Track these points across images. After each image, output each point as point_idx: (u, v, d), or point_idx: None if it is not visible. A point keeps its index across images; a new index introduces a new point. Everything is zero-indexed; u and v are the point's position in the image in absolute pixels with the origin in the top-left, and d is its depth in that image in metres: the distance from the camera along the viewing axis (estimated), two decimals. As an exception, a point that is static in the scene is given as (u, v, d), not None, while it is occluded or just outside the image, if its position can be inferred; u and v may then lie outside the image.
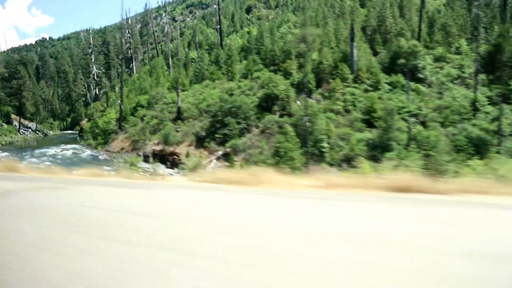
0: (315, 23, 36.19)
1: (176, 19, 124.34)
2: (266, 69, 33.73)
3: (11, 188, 5.64)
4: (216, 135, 26.94)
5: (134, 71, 68.71)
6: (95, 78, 62.48)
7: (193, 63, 56.58)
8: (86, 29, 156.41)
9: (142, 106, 39.62)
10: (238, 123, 26.96)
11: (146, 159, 30.49)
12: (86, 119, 59.39)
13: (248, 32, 63.08)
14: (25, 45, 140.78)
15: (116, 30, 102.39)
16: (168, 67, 57.68)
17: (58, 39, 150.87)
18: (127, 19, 72.04)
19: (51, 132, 70.54)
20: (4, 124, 55.70)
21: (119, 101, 40.74)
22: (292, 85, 29.85)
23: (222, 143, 26.82)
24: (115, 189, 5.75)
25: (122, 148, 34.37)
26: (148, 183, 6.52)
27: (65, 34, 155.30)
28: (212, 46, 63.08)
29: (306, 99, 24.86)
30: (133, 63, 69.28)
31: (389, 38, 33.83)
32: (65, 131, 75.26)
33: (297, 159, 21.33)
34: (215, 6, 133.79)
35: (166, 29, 58.27)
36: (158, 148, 30.12)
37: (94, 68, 61.18)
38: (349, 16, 36.53)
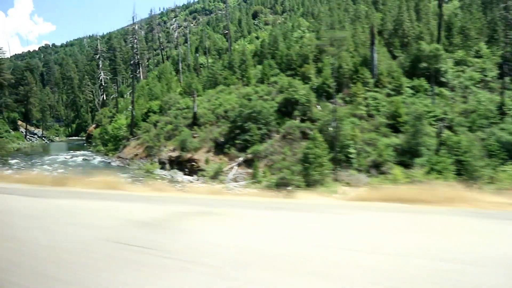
0: (330, 28, 35.70)
1: (180, 25, 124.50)
2: (282, 74, 33.17)
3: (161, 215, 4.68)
4: (236, 141, 26.29)
5: (141, 77, 68.20)
6: (103, 84, 61.89)
7: (202, 69, 56.20)
8: (89, 36, 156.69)
9: (155, 112, 39.03)
10: (259, 128, 26.34)
11: (162, 165, 29.84)
12: (94, 125, 58.79)
13: (257, 37, 62.90)
14: (28, 51, 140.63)
15: (121, 36, 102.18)
16: (177, 73, 57.29)
17: (61, 46, 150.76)
18: (134, 23, 71.58)
19: (57, 139, 69.94)
20: (11, 130, 55.04)
21: (130, 107, 40.14)
22: (311, 89, 29.26)
23: (242, 149, 26.18)
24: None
25: (136, 155, 33.71)
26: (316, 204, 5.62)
27: (68, 41, 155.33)
28: (220, 51, 62.82)
29: (335, 103, 24.19)
30: (140, 68, 68.71)
31: (407, 42, 33.30)
32: (70, 138, 74.68)
33: (326, 166, 20.71)
34: (219, 11, 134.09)
35: (176, 34, 57.53)
36: (175, 154, 29.47)
37: (102, 74, 60.60)
38: (364, 20, 36.04)
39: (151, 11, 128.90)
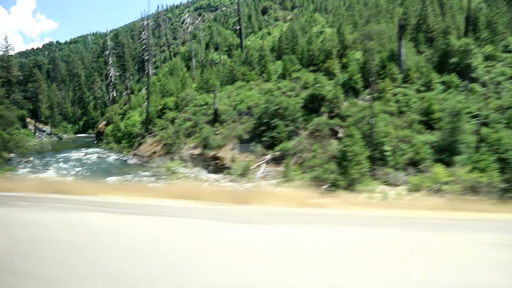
0: (352, 23, 34.86)
1: (192, 21, 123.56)
2: (304, 70, 32.36)
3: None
4: (263, 138, 25.50)
5: (150, 73, 67.35)
6: (112, 81, 61.06)
7: (214, 65, 55.37)
8: (93, 33, 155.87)
9: (171, 109, 38.21)
10: (286, 125, 25.54)
11: (182, 163, 29.05)
12: (104, 122, 58.05)
13: (268, 33, 62.01)
14: (32, 49, 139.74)
15: (127, 33, 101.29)
16: (188, 69, 56.47)
17: (65, 43, 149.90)
18: (144, 18, 70.75)
19: (65, 136, 69.22)
20: (21, 128, 54.29)
21: (143, 104, 39.31)
22: (337, 85, 28.44)
23: (269, 146, 25.39)
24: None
25: (154, 152, 32.94)
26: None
27: (72, 38, 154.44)
28: (231, 47, 61.97)
29: (364, 100, 23.39)
30: (149, 65, 67.84)
31: (431, 37, 32.43)
32: (78, 135, 73.96)
33: (364, 164, 19.92)
34: (224, 8, 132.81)
35: (190, 29, 56.60)
36: (196, 152, 28.70)
37: (112, 70, 59.74)
38: (387, 15, 35.16)
39: (158, 7, 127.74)
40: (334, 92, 26.63)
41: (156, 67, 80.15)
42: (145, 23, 70.07)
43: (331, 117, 26.05)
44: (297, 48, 35.49)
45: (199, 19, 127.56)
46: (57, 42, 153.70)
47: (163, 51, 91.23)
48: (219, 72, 38.65)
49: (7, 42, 58.66)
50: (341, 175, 19.69)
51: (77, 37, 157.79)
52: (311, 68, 32.18)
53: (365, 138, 21.47)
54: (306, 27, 39.39)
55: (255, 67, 35.67)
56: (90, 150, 46.32)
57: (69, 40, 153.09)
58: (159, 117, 38.95)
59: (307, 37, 37.25)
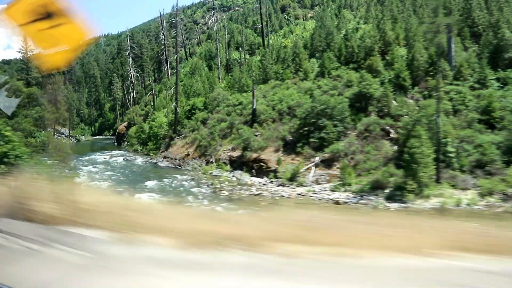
0: (391, 18, 33.39)
1: (197, 22, 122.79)
2: (344, 67, 30.96)
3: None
4: (311, 140, 24.12)
5: (168, 74, 66.33)
6: (133, 81, 60.08)
7: (239, 64, 54.11)
8: (105, 35, 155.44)
9: (200, 109, 37.01)
10: (335, 125, 24.15)
11: (219, 166, 27.81)
12: (125, 124, 57.08)
13: (291, 31, 60.66)
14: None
15: (143, 33, 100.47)
16: (210, 69, 55.25)
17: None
18: (161, 17, 69.88)
19: (83, 138, 68.43)
20: (41, 130, 53.40)
21: (170, 104, 38.14)
22: (382, 83, 27.02)
23: (316, 148, 24.01)
24: None
25: (187, 155, 31.72)
26: None
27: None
28: (252, 46, 60.73)
29: (439, 95, 21.74)
30: (167, 65, 66.85)
31: (476, 32, 30.87)
32: (95, 137, 73.17)
33: (431, 166, 18.49)
34: (237, 7, 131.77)
35: (215, 28, 55.45)
36: (236, 154, 27.41)
37: (132, 71, 58.76)
38: (427, 10, 33.58)
39: (173, 7, 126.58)
40: (383, 90, 25.17)
41: (172, 68, 79.09)
42: (163, 23, 69.27)
43: (381, 117, 24.60)
44: (333, 45, 34.08)
45: (211, 18, 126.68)
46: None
47: (174, 52, 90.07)
48: (251, 71, 37.31)
49: (26, 43, 57.76)
50: (408, 178, 18.26)
51: (88, 39, 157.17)
52: (351, 65, 30.71)
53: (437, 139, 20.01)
54: (340, 23, 37.94)
55: (290, 65, 34.28)
56: (114, 152, 45.27)
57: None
58: (188, 118, 37.78)
59: (341, 34, 35.87)
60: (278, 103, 29.15)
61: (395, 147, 22.80)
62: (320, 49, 36.14)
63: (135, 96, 60.08)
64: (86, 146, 60.12)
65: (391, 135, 23.81)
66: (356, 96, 26.31)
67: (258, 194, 20.53)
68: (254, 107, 29.16)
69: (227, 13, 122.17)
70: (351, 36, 32.78)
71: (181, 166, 30.89)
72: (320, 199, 19.05)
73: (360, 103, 25.89)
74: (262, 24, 60.78)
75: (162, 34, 67.27)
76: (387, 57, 29.26)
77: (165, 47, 67.04)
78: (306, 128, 24.96)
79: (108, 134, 75.69)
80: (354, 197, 18.90)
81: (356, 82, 28.13)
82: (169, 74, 66.84)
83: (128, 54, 62.50)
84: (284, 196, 19.97)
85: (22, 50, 58.99)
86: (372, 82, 26.10)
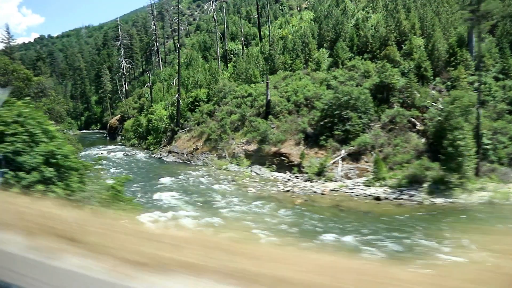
0: (404, 8, 32.47)
1: (183, 13, 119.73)
2: (358, 57, 29.96)
3: None
4: (335, 132, 23.06)
5: (160, 65, 64.19)
6: (124, 73, 57.71)
7: (235, 55, 52.57)
8: (86, 26, 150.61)
9: (204, 101, 35.48)
10: (359, 117, 23.16)
11: (232, 160, 26.52)
12: (117, 117, 54.86)
13: (287, 22, 59.25)
14: (24, 43, 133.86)
15: (131, 23, 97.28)
16: (206, 60, 53.50)
17: (57, 37, 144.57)
18: (152, 5, 67.51)
19: (70, 132, 65.49)
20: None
21: (176, 96, 36.46)
22: (402, 74, 26.16)
23: (341, 141, 22.98)
24: None
25: (196, 149, 30.24)
26: None
27: (64, 32, 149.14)
28: (248, 37, 59.16)
29: (480, 83, 20.95)
30: (159, 56, 64.67)
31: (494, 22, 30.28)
32: (82, 131, 70.38)
33: (473, 159, 17.72)
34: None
35: (214, 17, 53.61)
36: (251, 148, 26.15)
37: (124, 62, 56.37)
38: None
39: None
40: (407, 80, 24.31)
41: (163, 58, 76.76)
42: (154, 13, 66.92)
43: (405, 108, 23.74)
44: (343, 35, 32.98)
45: (198, 10, 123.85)
46: (49, 36, 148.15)
47: (162, 43, 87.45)
48: (257, 62, 35.90)
49: (9, 32, 54.76)
50: (449, 172, 17.44)
51: (69, 30, 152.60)
52: (365, 55, 29.72)
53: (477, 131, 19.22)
54: (345, 13, 36.80)
55: (299, 55, 33.07)
56: (110, 147, 43.33)
57: (61, 34, 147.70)
58: (191, 110, 36.21)
59: (350, 24, 34.83)
60: (292, 94, 27.95)
61: (423, 140, 22.03)
62: (327, 39, 34.97)
63: (127, 88, 57.71)
64: (78, 141, 57.52)
65: (417, 127, 23.02)
66: (377, 87, 25.38)
67: (288, 191, 19.36)
68: (268, 98, 27.87)
69: (215, 3, 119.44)
70: (365, 25, 31.71)
71: (189, 161, 29.42)
72: (357, 195, 18.04)
73: (382, 94, 24.95)
74: (258, 14, 59.34)
75: (153, 24, 64.98)
76: (404, 47, 28.37)
77: (156, 37, 64.77)
78: (328, 120, 23.88)
79: (95, 128, 72.96)
80: (393, 192, 17.98)
81: (374, 73, 27.30)
82: (161, 65, 64.77)
83: (120, 44, 59.90)
84: (317, 193, 18.89)
85: (5, 40, 55.86)
86: (394, 72, 25.18)
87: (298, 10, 67.02)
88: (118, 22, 63.02)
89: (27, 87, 19.27)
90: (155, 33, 64.43)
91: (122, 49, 59.18)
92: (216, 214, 14.40)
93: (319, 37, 35.48)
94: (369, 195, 17.89)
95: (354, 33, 31.77)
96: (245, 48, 50.94)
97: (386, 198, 17.30)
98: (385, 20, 31.34)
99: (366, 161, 21.66)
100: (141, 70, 77.18)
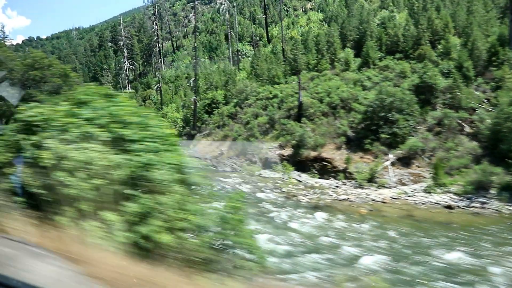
0: (432, 6, 31.49)
1: (177, 14, 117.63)
2: (389, 57, 28.84)
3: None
4: (382, 135, 21.77)
5: (162, 66, 62.29)
6: (127, 74, 55.65)
7: (245, 56, 51.27)
8: (76, 28, 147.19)
9: (223, 103, 33.93)
10: (406, 119, 21.94)
11: (267, 166, 25.04)
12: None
13: (293, 23, 58.20)
14: (11, 45, 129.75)
15: (124, 24, 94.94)
16: (213, 61, 52.00)
17: (47, 39, 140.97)
18: (154, 5, 65.68)
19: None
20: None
21: (193, 97, 34.80)
22: (442, 74, 25.06)
23: (388, 145, 21.71)
24: None
25: (221, 154, 28.65)
26: None
27: (53, 33, 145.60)
28: (254, 38, 57.93)
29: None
30: (161, 57, 62.76)
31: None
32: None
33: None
34: (218, 1, 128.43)
35: (226, 16, 52.08)
36: (286, 152, 24.69)
37: (127, 63, 54.33)
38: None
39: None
40: (452, 81, 23.21)
41: (163, 58, 74.73)
42: (156, 13, 65.07)
43: (450, 109, 22.62)
44: (369, 34, 31.82)
45: (192, 12, 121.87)
46: (38, 37, 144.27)
47: (156, 45, 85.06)
48: (278, 62, 34.53)
49: (4, 32, 52.22)
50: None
51: (58, 32, 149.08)
52: (397, 55, 28.60)
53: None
54: (371, 13, 35.66)
55: (324, 54, 31.79)
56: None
57: (50, 36, 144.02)
58: (208, 112, 34.63)
59: (374, 23, 33.76)
60: (325, 95, 26.61)
61: (475, 143, 20.89)
62: (350, 39, 33.83)
63: (130, 90, 55.55)
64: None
65: (466, 130, 21.89)
66: (417, 88, 24.21)
67: (344, 199, 17.94)
68: (300, 100, 26.46)
69: (211, 4, 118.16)
70: (394, 24, 30.60)
71: (215, 166, 27.80)
72: (423, 203, 16.73)
73: (424, 95, 23.77)
74: (266, 14, 58.12)
75: (154, 24, 62.99)
76: (439, 46, 27.32)
77: (158, 37, 62.85)
78: (371, 123, 22.59)
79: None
80: (461, 200, 16.72)
81: (410, 73, 26.22)
82: (163, 66, 62.87)
83: (122, 45, 57.77)
84: (376, 201, 17.52)
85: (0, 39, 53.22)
86: (436, 72, 24.06)
87: (303, 11, 66.00)
88: (121, 22, 60.91)
89: (65, 84, 17.45)
90: (157, 34, 62.49)
91: (125, 50, 57.04)
92: (288, 230, 12.89)
93: (340, 37, 34.27)
94: (436, 203, 16.62)
95: (382, 32, 30.62)
96: (255, 49, 49.66)
97: (458, 207, 16.03)
98: (415, 18, 30.30)
99: (418, 166, 20.42)
100: (139, 71, 75.04)
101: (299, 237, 12.10)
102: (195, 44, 41.45)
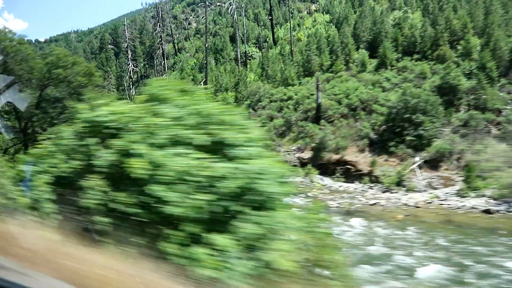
0: (449, 5, 31.04)
1: (176, 17, 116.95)
2: (407, 58, 28.32)
3: None
4: (407, 138, 21.15)
5: (166, 68, 61.53)
6: (131, 77, 54.88)
7: (251, 58, 50.68)
8: (75, 31, 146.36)
9: (236, 106, 33.18)
10: (432, 121, 21.36)
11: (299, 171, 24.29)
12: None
13: (298, 25, 57.72)
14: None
15: (122, 27, 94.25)
16: (216, 63, 51.31)
17: (45, 42, 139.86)
18: (158, 6, 65.02)
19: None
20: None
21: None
22: (465, 75, 24.53)
23: (414, 147, 21.10)
24: None
25: (235, 157, 27.86)
26: None
27: (52, 36, 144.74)
28: (259, 40, 57.41)
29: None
30: (164, 59, 62.01)
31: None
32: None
33: None
34: (218, 3, 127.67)
35: (235, 17, 51.45)
36: (306, 155, 24.04)
37: (131, 65, 53.56)
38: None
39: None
40: (477, 81, 22.68)
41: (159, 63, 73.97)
42: (160, 14, 64.45)
43: (484, 111, 22.07)
44: (383, 35, 31.33)
45: (193, 15, 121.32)
46: (36, 40, 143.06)
47: (156, 47, 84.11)
48: (291, 63, 33.94)
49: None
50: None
51: (56, 35, 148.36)
52: (414, 56, 28.09)
53: None
54: (383, 13, 35.18)
55: (339, 55, 31.23)
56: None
57: (48, 38, 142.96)
58: (219, 115, 33.86)
59: (389, 23, 33.27)
60: (343, 97, 25.99)
61: (504, 145, 20.30)
62: (363, 40, 33.33)
63: (134, 93, 54.78)
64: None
65: (493, 131, 21.34)
66: (439, 89, 23.66)
67: (374, 204, 17.29)
68: (318, 101, 25.81)
69: (211, 7, 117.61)
70: (412, 25, 30.11)
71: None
72: (458, 208, 16.10)
73: (448, 96, 23.22)
74: (271, 15, 57.58)
75: (158, 26, 62.36)
76: (459, 47, 26.81)
77: (161, 39, 62.20)
78: (394, 124, 21.99)
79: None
80: (499, 204, 16.10)
81: (429, 74, 25.71)
82: (166, 68, 62.09)
83: (127, 47, 57.01)
84: (408, 205, 16.87)
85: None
86: (458, 73, 23.52)
87: (307, 13, 65.53)
88: (125, 23, 60.15)
89: (90, 83, 16.70)
90: (160, 35, 61.84)
91: (129, 52, 56.25)
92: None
93: (353, 38, 33.74)
94: (472, 208, 15.98)
95: (398, 33, 30.10)
96: (262, 50, 49.14)
97: (498, 211, 15.41)
98: (429, 19, 29.84)
99: (446, 169, 19.82)
100: (140, 74, 74.23)
101: (345, 246, 11.40)
102: (207, 45, 40.56)
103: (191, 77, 49.41)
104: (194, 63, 56.17)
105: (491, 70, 24.01)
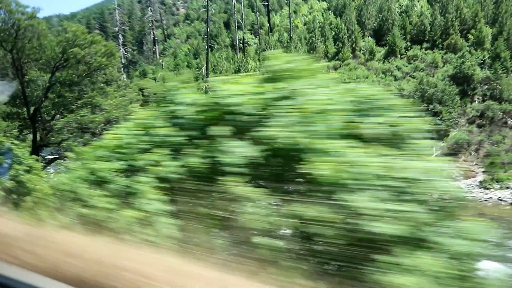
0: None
1: (164, 3, 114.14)
2: (416, 46, 27.76)
3: None
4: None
5: (157, 54, 59.73)
6: (123, 63, 52.94)
7: (248, 45, 49.48)
8: (57, 14, 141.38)
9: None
10: (449, 112, 20.87)
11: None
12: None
13: (295, 12, 56.60)
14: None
15: (107, 11, 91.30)
16: (211, 50, 49.85)
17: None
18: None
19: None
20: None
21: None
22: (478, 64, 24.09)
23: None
24: None
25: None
26: None
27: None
28: (254, 26, 56.20)
29: None
30: (155, 45, 60.14)
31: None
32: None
33: None
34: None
35: (233, 2, 49.88)
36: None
37: (123, 50, 51.61)
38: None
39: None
40: (493, 71, 22.26)
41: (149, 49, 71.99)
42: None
43: (500, 100, 21.68)
44: (391, 23, 30.63)
45: (181, 0, 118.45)
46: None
47: (146, 33, 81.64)
48: (295, 49, 32.96)
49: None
50: None
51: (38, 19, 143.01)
52: (424, 45, 27.52)
53: None
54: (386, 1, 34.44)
55: (345, 43, 30.43)
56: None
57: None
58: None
59: (396, 11, 32.55)
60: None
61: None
62: (368, 27, 32.58)
63: (125, 79, 52.95)
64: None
65: (509, 122, 21.01)
66: (452, 78, 23.17)
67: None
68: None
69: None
70: (421, 12, 29.47)
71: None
72: (485, 200, 15.66)
73: (462, 86, 22.75)
74: (268, 1, 56.19)
75: (149, 10, 60.28)
76: (470, 36, 26.34)
77: (152, 24, 60.22)
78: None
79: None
80: (526, 197, 15.73)
81: (441, 63, 25.21)
82: (157, 54, 60.26)
83: (118, 31, 54.94)
84: (433, 197, 16.32)
85: None
86: (473, 62, 23.06)
87: (303, 0, 64.42)
88: (116, 7, 57.90)
89: (111, 65, 15.46)
90: (152, 20, 59.86)
91: (120, 37, 54.26)
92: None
93: (358, 25, 32.97)
94: (500, 200, 15.56)
95: (407, 21, 29.45)
96: (258, 37, 48.03)
97: (527, 204, 15.04)
98: (435, 7, 29.27)
99: (464, 160, 19.38)
100: (128, 60, 72.02)
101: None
102: (208, 29, 39.15)
103: (186, 63, 48.06)
104: (188, 49, 54.53)
105: (505, 59, 23.63)
